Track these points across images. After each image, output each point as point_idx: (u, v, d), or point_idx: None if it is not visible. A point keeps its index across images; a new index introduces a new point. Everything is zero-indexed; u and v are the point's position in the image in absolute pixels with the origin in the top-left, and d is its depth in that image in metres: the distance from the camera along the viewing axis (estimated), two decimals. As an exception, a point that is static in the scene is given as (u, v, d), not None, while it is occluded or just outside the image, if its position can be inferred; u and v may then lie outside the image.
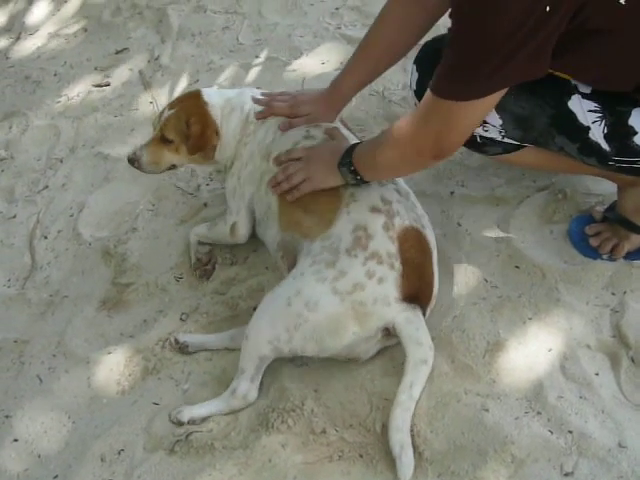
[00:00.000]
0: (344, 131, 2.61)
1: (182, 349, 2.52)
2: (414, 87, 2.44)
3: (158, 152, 2.70)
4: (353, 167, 2.28)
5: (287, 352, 2.26)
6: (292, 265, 2.37)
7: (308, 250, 2.31)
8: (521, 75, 1.90)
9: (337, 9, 4.00)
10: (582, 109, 2.11)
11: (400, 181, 2.46)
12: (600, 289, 2.42)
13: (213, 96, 2.73)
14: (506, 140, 2.31)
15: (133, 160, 2.72)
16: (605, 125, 2.11)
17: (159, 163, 2.72)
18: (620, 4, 1.83)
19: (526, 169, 2.79)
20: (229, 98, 2.74)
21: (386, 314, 2.19)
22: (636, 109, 2.07)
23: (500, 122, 2.23)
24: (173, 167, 2.79)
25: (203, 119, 2.67)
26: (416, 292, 2.23)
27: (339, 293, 2.17)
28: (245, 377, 2.30)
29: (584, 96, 2.10)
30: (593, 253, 2.50)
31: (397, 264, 2.21)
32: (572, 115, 2.14)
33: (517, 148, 2.36)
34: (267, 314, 2.26)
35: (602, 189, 2.68)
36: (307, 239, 2.35)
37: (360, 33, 3.71)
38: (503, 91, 1.93)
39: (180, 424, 2.31)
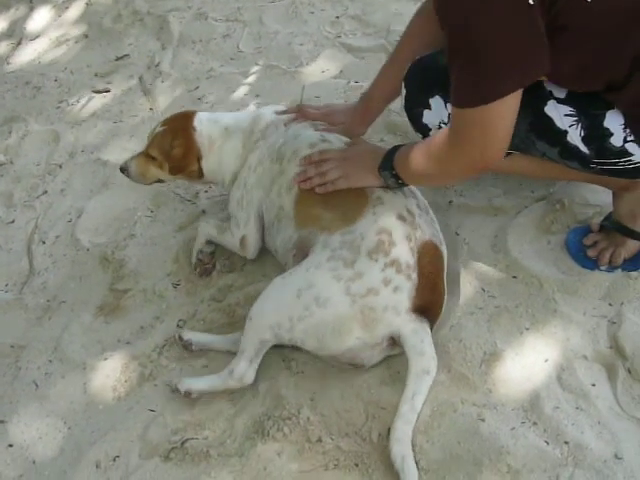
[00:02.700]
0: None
1: (186, 347, 2.52)
2: (404, 104, 2.46)
3: (144, 166, 2.77)
4: (395, 171, 2.28)
5: (287, 341, 2.27)
6: None
7: (325, 243, 2.30)
8: (534, 67, 1.91)
9: (337, 18, 4.01)
10: (558, 114, 2.14)
11: (419, 194, 2.46)
12: (597, 300, 2.42)
13: (204, 123, 2.75)
14: None
15: (123, 169, 2.81)
16: (581, 128, 2.13)
17: (145, 176, 2.79)
18: (586, 2, 1.87)
19: (522, 178, 2.80)
20: (227, 126, 2.75)
21: (394, 323, 2.18)
22: (610, 111, 2.09)
23: None
24: (160, 181, 2.84)
25: (186, 144, 2.70)
26: (427, 306, 2.23)
27: (351, 295, 2.17)
28: (244, 358, 2.30)
29: (559, 101, 2.12)
30: (591, 264, 2.50)
31: (414, 276, 2.21)
32: (549, 120, 2.16)
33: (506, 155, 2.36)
34: (273, 300, 2.27)
35: (600, 200, 2.68)
36: (325, 232, 2.33)
37: (360, 42, 3.76)
38: (521, 90, 1.92)
39: (177, 391, 2.37)
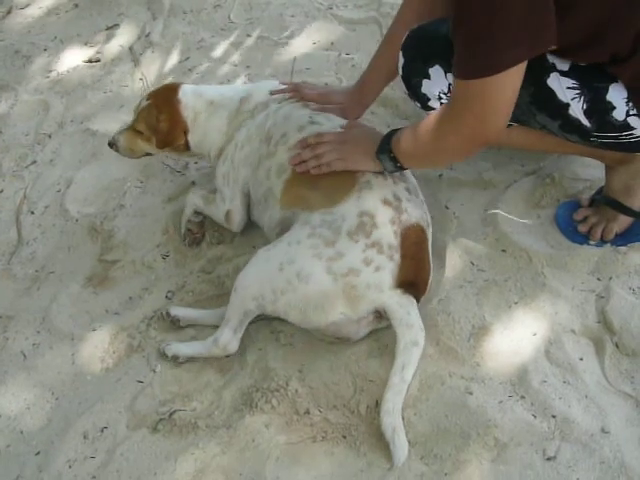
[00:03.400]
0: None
1: (173, 322, 2.52)
2: (400, 72, 2.43)
3: (132, 140, 2.78)
4: (393, 154, 2.25)
5: (270, 312, 2.28)
6: None
7: (306, 219, 2.29)
8: (542, 39, 1.88)
9: (330, -12, 3.99)
10: (561, 86, 2.11)
11: (410, 176, 2.45)
12: (586, 274, 2.43)
13: (189, 95, 2.74)
14: None
15: (111, 144, 2.83)
16: (584, 101, 2.11)
17: (134, 150, 2.81)
18: None
19: (513, 151, 2.79)
20: (212, 100, 2.73)
21: (377, 299, 2.19)
22: (613, 84, 2.07)
23: None
24: (149, 154, 2.85)
25: (172, 117, 2.70)
26: (411, 283, 2.23)
27: (333, 273, 2.17)
28: (229, 327, 2.32)
29: (562, 73, 2.10)
30: (581, 239, 2.51)
31: (397, 256, 2.20)
32: (551, 92, 2.14)
33: None
34: (257, 272, 2.28)
35: (590, 174, 2.69)
36: (307, 210, 2.33)
37: (351, 14, 3.74)
38: (525, 63, 1.89)
39: (164, 356, 2.41)
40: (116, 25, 4.14)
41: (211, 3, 4.12)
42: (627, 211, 2.45)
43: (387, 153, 2.26)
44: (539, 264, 2.47)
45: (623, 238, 2.48)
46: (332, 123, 2.50)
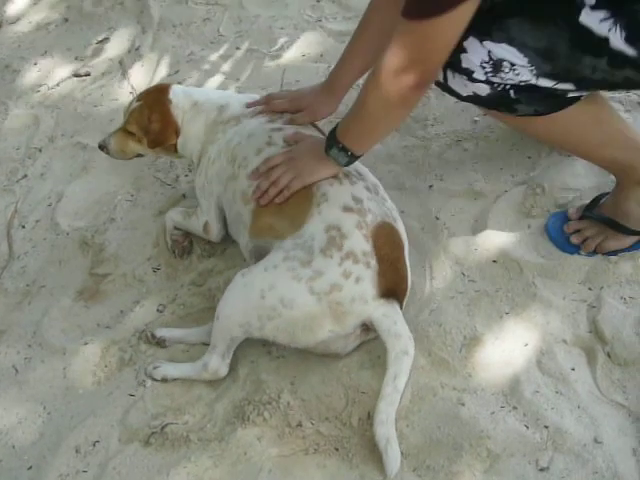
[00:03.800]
0: (309, 131, 2.59)
1: (159, 343, 2.52)
2: None
3: (123, 141, 2.77)
4: (341, 144, 2.26)
5: (258, 336, 2.27)
6: None
7: (279, 246, 2.29)
8: None
9: (318, 2, 3.99)
10: (594, 21, 2.03)
11: (368, 175, 2.44)
12: (577, 284, 2.43)
13: (180, 95, 2.74)
14: (541, 82, 2.19)
15: (102, 147, 2.81)
16: (621, 29, 2.02)
17: (125, 152, 2.80)
18: None
19: (506, 160, 2.79)
20: (196, 101, 2.73)
21: (364, 312, 2.18)
22: None
23: (526, 60, 2.14)
24: (140, 155, 2.85)
25: (164, 117, 2.70)
26: (392, 287, 2.23)
27: (316, 293, 2.16)
28: (217, 353, 2.32)
29: (592, 7, 2.02)
30: (572, 249, 2.51)
31: (373, 262, 2.19)
32: (587, 30, 2.06)
33: (547, 112, 2.29)
34: (238, 300, 2.27)
35: (580, 184, 2.69)
36: (279, 239, 2.32)
37: (340, 26, 3.75)
38: (474, 4, 1.90)
39: (152, 379, 2.41)
40: (106, 39, 4.14)
41: (200, 17, 4.12)
42: (628, 231, 2.44)
43: (335, 146, 2.26)
44: (530, 274, 2.47)
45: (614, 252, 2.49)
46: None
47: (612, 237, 2.46)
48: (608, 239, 2.47)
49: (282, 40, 3.80)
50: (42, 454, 2.31)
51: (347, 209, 2.25)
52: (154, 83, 3.66)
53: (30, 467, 2.29)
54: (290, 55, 3.69)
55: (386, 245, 2.25)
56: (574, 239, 2.50)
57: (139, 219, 3.01)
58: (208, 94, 2.83)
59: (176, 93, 2.74)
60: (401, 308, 2.25)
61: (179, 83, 3.61)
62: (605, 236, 2.47)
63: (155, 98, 2.74)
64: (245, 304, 2.24)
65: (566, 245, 2.52)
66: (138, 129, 2.71)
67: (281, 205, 2.36)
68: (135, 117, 2.72)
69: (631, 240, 2.46)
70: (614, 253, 2.48)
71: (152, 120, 2.68)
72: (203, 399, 2.34)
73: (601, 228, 2.48)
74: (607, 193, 2.56)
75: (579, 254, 2.48)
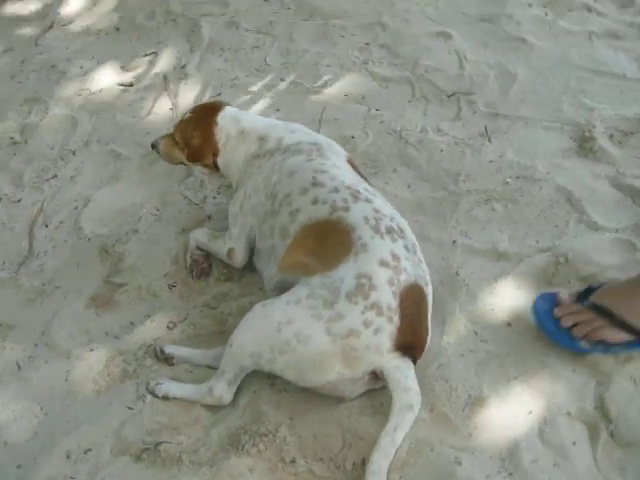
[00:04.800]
0: (349, 173, 2.58)
1: (167, 360, 2.52)
2: None
3: (170, 147, 2.88)
4: None
5: (267, 370, 2.27)
6: None
7: (306, 282, 2.28)
8: None
9: (367, 44, 4.01)
10: None
11: (409, 233, 2.43)
12: (588, 357, 2.40)
13: (228, 119, 2.78)
14: None
15: (154, 146, 2.95)
16: None
17: (171, 157, 2.91)
18: None
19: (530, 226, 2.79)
20: (243, 129, 2.76)
21: (376, 361, 2.18)
22: None
23: None
24: (184, 164, 2.94)
25: (205, 136, 2.76)
26: (410, 345, 2.22)
27: (332, 334, 2.15)
28: (224, 380, 2.32)
29: None
30: (565, 337, 2.40)
31: (396, 318, 2.18)
32: None
33: None
34: (254, 330, 2.26)
35: (604, 260, 2.67)
36: (307, 275, 2.32)
37: (385, 71, 3.77)
38: None
39: (153, 394, 2.41)
40: (154, 53, 4.18)
41: (249, 44, 4.16)
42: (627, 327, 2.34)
43: None
44: (542, 342, 2.45)
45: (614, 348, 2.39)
46: (334, 182, 2.47)
47: (607, 327, 2.35)
48: (603, 329, 2.35)
49: (326, 77, 3.82)
50: (33, 455, 2.31)
51: (383, 264, 2.24)
52: (195, 102, 3.69)
53: (19, 466, 2.29)
54: (332, 93, 3.71)
55: (413, 306, 2.24)
56: (564, 322, 2.40)
57: (161, 234, 3.02)
58: (255, 123, 2.82)
59: (225, 116, 2.78)
60: (414, 364, 2.24)
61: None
62: (599, 325, 2.36)
63: (204, 115, 2.80)
64: (260, 334, 2.24)
65: (558, 333, 2.41)
66: (181, 139, 2.80)
67: (319, 244, 2.36)
68: (181, 128, 2.81)
69: (627, 337, 2.35)
70: (607, 346, 2.37)
71: (194, 136, 2.76)
72: (200, 422, 2.33)
73: (594, 315, 2.37)
74: (603, 284, 2.48)
75: (577, 348, 2.40)
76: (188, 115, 2.84)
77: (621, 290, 2.40)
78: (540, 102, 3.41)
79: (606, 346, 2.36)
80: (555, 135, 3.22)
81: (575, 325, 2.38)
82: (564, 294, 2.49)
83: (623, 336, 2.34)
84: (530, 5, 4.05)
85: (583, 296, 2.44)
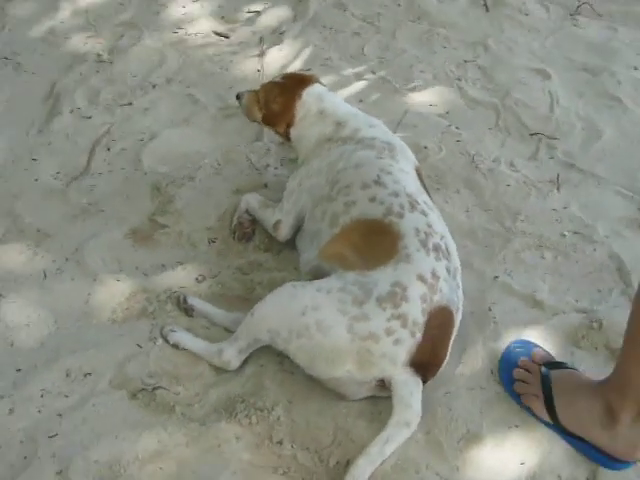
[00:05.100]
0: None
1: (187, 310, 2.54)
2: None
3: (252, 103, 2.90)
4: None
5: (280, 348, 2.27)
6: None
7: (342, 275, 2.29)
8: None
9: (465, 61, 3.99)
10: None
11: (455, 256, 2.42)
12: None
13: (313, 96, 2.80)
14: None
15: (238, 97, 2.99)
16: None
17: (250, 112, 2.93)
18: None
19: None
20: (324, 110, 2.78)
21: (387, 370, 2.18)
22: None
23: None
24: (260, 124, 2.97)
25: (286, 106, 2.80)
26: (425, 364, 2.22)
27: (353, 333, 2.15)
28: (236, 346, 2.34)
29: None
30: (516, 396, 2.39)
31: (418, 335, 2.18)
32: None
33: None
34: (279, 307, 2.27)
35: None
36: (344, 268, 2.32)
37: (476, 92, 3.75)
38: None
39: (164, 339, 2.44)
40: (257, 12, 4.20)
41: (352, 29, 4.15)
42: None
43: None
44: (553, 400, 2.43)
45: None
46: (396, 186, 2.46)
47: (538, 401, 2.32)
48: (535, 400, 2.33)
49: (417, 82, 3.80)
50: (34, 363, 2.35)
51: (421, 279, 2.24)
52: (283, 71, 3.69)
53: (19, 370, 2.33)
54: (418, 99, 3.69)
55: (438, 328, 2.23)
56: (517, 387, 2.38)
57: (216, 188, 3.04)
58: (337, 107, 2.83)
59: (311, 93, 2.80)
60: (424, 384, 2.24)
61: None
62: (535, 394, 2.34)
63: (291, 85, 2.83)
64: (283, 312, 2.25)
65: (511, 389, 2.41)
66: (263, 100, 2.83)
67: (364, 243, 2.36)
68: (267, 89, 2.85)
69: (548, 420, 2.31)
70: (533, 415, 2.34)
71: (276, 101, 2.80)
72: (203, 379, 2.35)
73: (538, 385, 2.34)
74: (573, 368, 2.44)
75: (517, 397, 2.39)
76: (279, 79, 2.88)
77: (571, 387, 2.33)
78: (618, 166, 3.36)
79: (532, 414, 2.35)
80: (624, 202, 3.17)
81: (525, 394, 2.37)
82: (539, 352, 2.47)
83: (545, 417, 2.32)
84: (636, 68, 3.99)
85: (552, 365, 2.41)
